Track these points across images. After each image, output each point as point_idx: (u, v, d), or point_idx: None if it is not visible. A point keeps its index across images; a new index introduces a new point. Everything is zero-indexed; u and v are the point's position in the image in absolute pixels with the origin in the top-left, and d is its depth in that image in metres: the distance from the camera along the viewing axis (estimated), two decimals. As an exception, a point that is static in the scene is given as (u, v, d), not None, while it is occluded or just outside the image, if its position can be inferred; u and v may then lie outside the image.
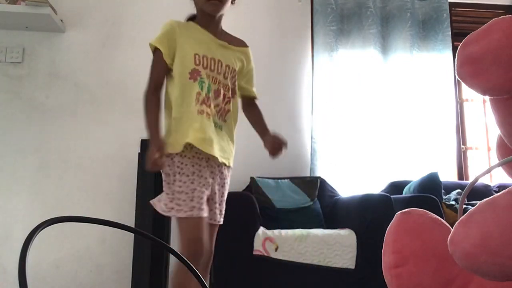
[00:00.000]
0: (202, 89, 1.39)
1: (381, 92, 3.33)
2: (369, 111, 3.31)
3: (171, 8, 2.49)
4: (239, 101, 1.57)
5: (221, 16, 1.48)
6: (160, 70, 1.46)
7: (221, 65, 1.43)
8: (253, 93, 1.61)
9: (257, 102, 1.64)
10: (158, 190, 2.08)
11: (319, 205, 2.74)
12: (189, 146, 1.38)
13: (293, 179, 2.77)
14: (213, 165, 1.44)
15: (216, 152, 1.39)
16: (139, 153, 2.10)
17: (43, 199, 2.25)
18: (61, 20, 2.36)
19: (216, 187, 1.46)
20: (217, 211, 1.48)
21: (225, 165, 1.48)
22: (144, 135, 2.22)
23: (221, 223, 1.53)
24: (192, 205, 1.33)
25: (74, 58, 2.39)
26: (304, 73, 3.37)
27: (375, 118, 3.30)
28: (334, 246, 2.23)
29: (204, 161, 1.40)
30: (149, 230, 1.99)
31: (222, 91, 1.43)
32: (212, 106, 1.41)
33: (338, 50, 3.35)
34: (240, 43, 1.55)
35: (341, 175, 3.18)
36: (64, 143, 2.31)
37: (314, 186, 2.81)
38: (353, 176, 3.19)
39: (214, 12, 1.43)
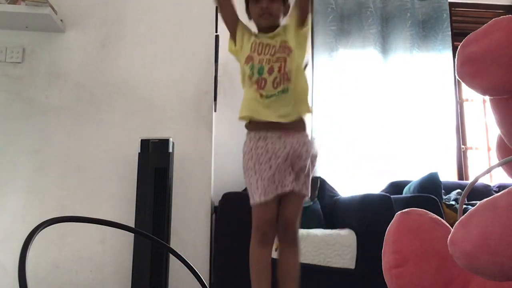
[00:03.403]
0: (253, 74, 1.62)
1: (381, 92, 3.33)
2: (369, 111, 3.31)
3: (171, 9, 2.49)
4: (299, 56, 1.67)
5: (277, 26, 1.69)
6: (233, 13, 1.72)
7: (275, 48, 1.63)
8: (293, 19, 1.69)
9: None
10: (158, 190, 2.09)
11: (319, 205, 2.74)
12: (249, 125, 1.66)
13: (293, 179, 2.76)
14: (277, 135, 1.59)
15: (273, 117, 1.58)
16: (139, 153, 2.10)
17: (43, 199, 2.25)
18: (61, 20, 2.36)
19: (290, 157, 1.59)
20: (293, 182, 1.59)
21: (291, 124, 1.61)
22: (144, 135, 2.23)
23: (300, 193, 1.61)
24: (259, 193, 1.54)
25: (74, 58, 2.39)
26: (304, 73, 3.37)
27: (375, 118, 3.30)
28: (334, 246, 2.23)
29: (267, 134, 1.60)
30: (149, 230, 1.99)
31: (276, 65, 1.61)
32: (269, 83, 1.60)
33: (338, 50, 3.35)
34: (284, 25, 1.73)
35: (341, 175, 3.18)
36: (64, 143, 2.30)
37: (314, 186, 2.81)
38: (353, 176, 3.19)
39: (267, 25, 1.67)
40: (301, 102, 1.65)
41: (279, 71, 1.61)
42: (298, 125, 1.64)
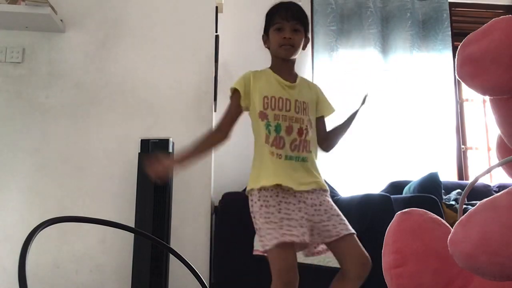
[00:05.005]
0: (269, 132, 1.49)
1: (381, 92, 3.33)
2: (369, 111, 3.30)
3: (171, 9, 2.49)
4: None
5: (293, 60, 1.60)
6: (232, 110, 1.58)
7: (290, 103, 1.52)
8: (322, 112, 1.65)
9: (328, 117, 1.69)
10: (158, 191, 2.08)
11: (319, 205, 2.74)
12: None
13: (293, 179, 2.76)
14: (293, 198, 1.46)
15: (291, 183, 1.45)
16: (139, 153, 2.10)
17: (43, 199, 2.25)
18: (61, 20, 2.36)
19: (305, 218, 1.45)
20: (324, 233, 1.46)
21: (307, 191, 1.49)
22: (144, 135, 2.23)
23: (346, 233, 1.46)
24: (283, 232, 1.36)
25: (74, 58, 2.38)
26: (304, 73, 3.37)
27: (375, 118, 3.30)
28: (334, 246, 2.22)
29: (285, 193, 1.46)
30: (149, 230, 1.99)
31: (295, 126, 1.51)
32: (287, 144, 1.49)
33: (338, 50, 3.35)
34: (308, 81, 1.67)
35: (341, 175, 3.18)
36: (64, 143, 2.30)
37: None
38: (353, 176, 3.19)
39: (286, 57, 1.56)
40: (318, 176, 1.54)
41: (299, 134, 1.51)
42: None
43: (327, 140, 1.65)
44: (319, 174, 1.56)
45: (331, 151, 1.66)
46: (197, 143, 1.55)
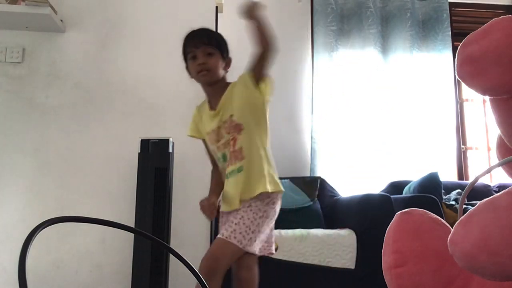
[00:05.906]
0: (222, 165, 1.61)
1: (381, 92, 3.33)
2: (369, 111, 3.31)
3: (171, 9, 2.49)
4: (251, 130, 1.58)
5: (220, 82, 1.59)
6: (208, 151, 1.72)
7: (219, 131, 1.59)
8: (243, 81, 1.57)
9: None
10: (158, 190, 2.09)
11: (319, 205, 2.74)
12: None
13: (293, 179, 2.77)
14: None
15: (225, 207, 1.62)
16: (139, 153, 2.10)
17: (43, 199, 2.25)
18: (61, 20, 2.36)
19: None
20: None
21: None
22: (144, 135, 2.23)
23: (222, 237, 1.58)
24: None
25: (74, 58, 2.39)
26: (304, 73, 3.37)
27: (375, 118, 3.30)
28: (334, 246, 2.23)
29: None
30: (149, 230, 1.99)
31: (227, 147, 1.57)
32: (228, 163, 1.57)
33: (338, 50, 3.35)
34: (235, 83, 1.60)
35: (341, 175, 3.18)
36: (64, 143, 2.31)
37: (314, 186, 2.81)
38: (353, 176, 3.19)
39: (206, 82, 1.58)
40: (255, 181, 1.54)
41: (233, 146, 1.55)
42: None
43: (256, 45, 1.55)
44: (260, 177, 1.54)
45: (265, 45, 1.55)
46: (211, 179, 1.72)
